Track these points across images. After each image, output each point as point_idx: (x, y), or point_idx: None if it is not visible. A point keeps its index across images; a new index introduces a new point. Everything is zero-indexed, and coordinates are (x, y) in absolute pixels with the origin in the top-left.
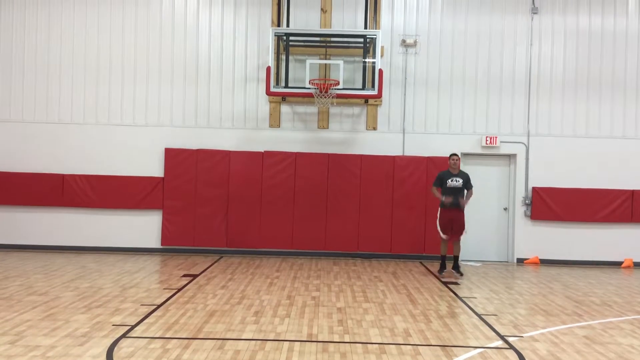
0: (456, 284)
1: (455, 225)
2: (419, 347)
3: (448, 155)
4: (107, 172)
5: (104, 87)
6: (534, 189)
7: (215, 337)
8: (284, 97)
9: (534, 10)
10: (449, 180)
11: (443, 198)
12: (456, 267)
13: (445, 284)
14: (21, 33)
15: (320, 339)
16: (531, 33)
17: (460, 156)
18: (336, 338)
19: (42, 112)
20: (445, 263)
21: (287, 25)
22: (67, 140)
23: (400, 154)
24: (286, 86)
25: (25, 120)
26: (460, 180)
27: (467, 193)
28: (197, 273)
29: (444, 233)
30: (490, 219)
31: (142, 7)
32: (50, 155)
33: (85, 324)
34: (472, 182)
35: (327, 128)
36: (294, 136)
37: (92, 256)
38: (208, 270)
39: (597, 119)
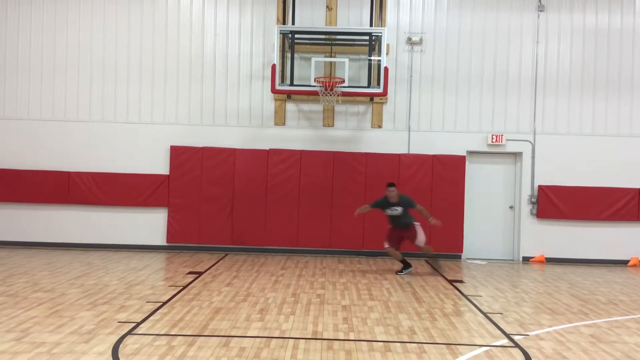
0: (462, 282)
1: (406, 239)
2: (424, 345)
3: (386, 186)
4: (113, 169)
5: (109, 84)
6: (539, 187)
7: (220, 335)
8: (289, 95)
9: (541, 8)
10: (388, 209)
11: (356, 213)
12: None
13: (451, 282)
14: (27, 31)
15: (325, 336)
16: (537, 31)
17: (396, 187)
18: (341, 336)
19: (48, 110)
20: (407, 262)
21: (293, 23)
22: (73, 137)
23: (405, 152)
24: (291, 84)
25: (31, 117)
26: (399, 208)
27: (422, 211)
28: (203, 270)
29: (389, 244)
30: (496, 217)
31: (147, 5)
32: (56, 152)
33: (91, 321)
34: (476, 180)
35: (332, 126)
36: (299, 134)
37: (98, 253)
38: (213, 267)
39: (604, 117)
